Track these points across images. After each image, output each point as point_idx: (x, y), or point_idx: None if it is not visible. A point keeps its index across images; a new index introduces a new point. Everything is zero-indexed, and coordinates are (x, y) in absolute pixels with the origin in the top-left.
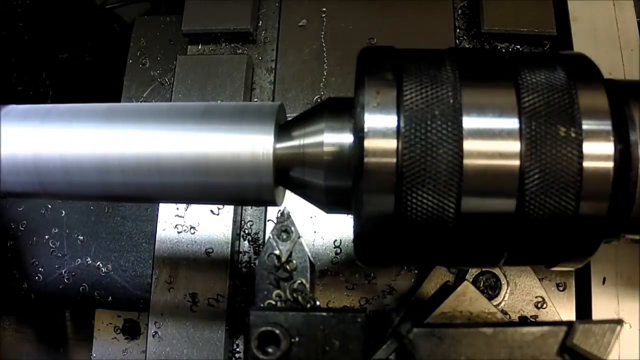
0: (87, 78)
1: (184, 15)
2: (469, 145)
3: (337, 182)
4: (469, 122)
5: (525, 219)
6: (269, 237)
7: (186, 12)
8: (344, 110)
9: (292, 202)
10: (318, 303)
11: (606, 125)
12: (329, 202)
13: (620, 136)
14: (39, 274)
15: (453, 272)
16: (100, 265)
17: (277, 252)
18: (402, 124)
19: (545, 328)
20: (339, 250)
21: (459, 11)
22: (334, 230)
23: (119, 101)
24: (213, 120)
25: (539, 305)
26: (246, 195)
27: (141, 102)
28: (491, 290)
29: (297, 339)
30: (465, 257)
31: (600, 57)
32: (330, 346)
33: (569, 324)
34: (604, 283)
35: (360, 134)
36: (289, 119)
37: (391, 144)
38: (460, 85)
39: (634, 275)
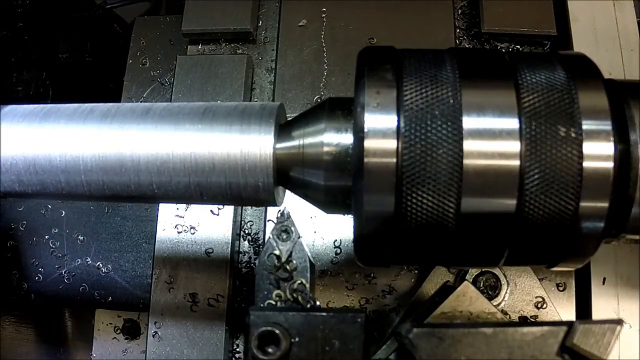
0: (87, 78)
1: (184, 15)
2: (469, 145)
3: (337, 182)
4: (469, 122)
5: (525, 219)
6: (269, 237)
7: (186, 12)
8: (344, 110)
9: (292, 202)
10: (318, 303)
11: (606, 125)
12: (329, 202)
13: (620, 136)
14: (39, 274)
15: (453, 272)
16: (100, 265)
17: (277, 252)
18: (402, 124)
19: (545, 328)
20: (339, 250)
21: (459, 11)
22: (334, 230)
23: (119, 101)
24: (213, 120)
25: (539, 305)
26: (246, 196)
27: (141, 102)
28: (491, 290)
29: (297, 339)
30: (465, 257)
31: (600, 57)
32: (330, 346)
33: (569, 324)
34: (604, 283)
35: (360, 134)
36: (289, 119)
37: (391, 144)
38: (460, 85)
39: (634, 275)
